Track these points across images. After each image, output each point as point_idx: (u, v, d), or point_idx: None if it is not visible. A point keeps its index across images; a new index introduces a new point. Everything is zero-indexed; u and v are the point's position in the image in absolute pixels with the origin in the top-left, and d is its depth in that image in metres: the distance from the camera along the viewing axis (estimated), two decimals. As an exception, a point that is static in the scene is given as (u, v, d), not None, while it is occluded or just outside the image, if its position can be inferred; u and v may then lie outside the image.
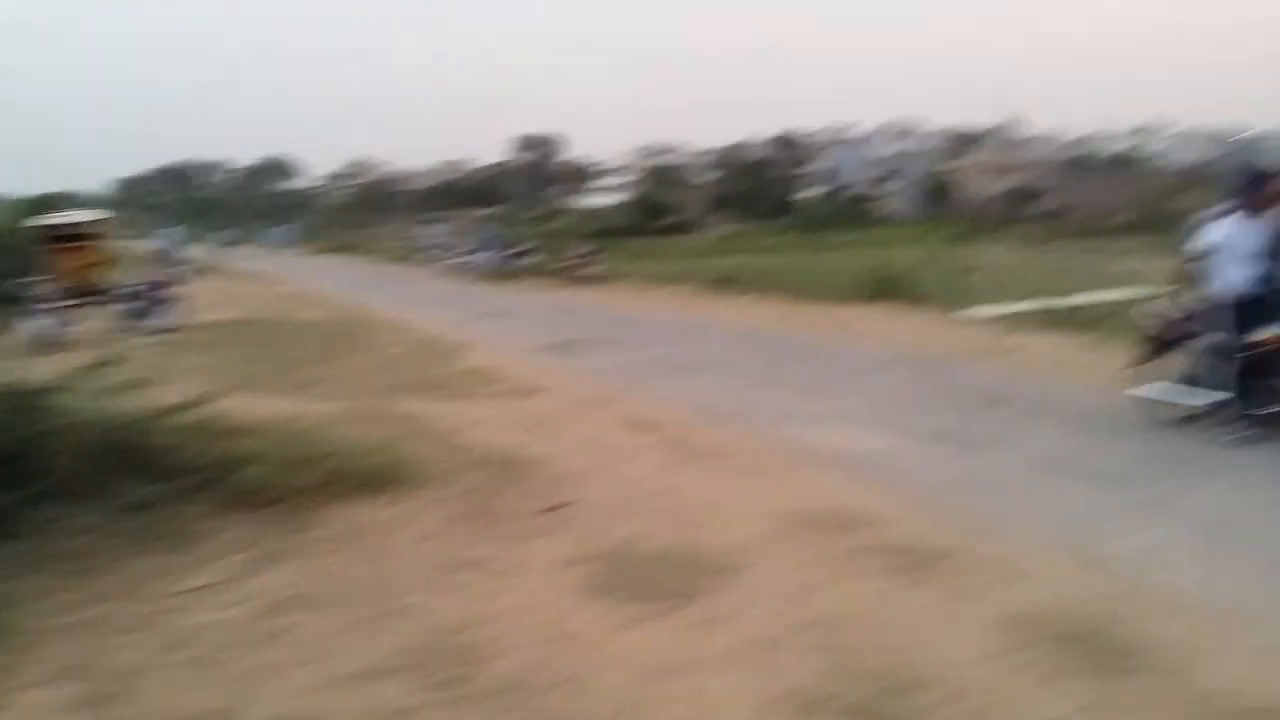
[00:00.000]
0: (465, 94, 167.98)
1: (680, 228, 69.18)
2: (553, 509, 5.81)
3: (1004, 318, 13.82)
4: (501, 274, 26.82)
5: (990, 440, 7.12)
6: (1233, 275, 6.78)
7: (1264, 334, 6.69)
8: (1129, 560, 4.67)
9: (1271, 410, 6.75)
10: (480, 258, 29.04)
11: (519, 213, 78.80)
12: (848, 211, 69.44)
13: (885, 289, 16.77)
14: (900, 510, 5.51)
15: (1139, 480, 6.02)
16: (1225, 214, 6.95)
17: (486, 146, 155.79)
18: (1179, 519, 5.27)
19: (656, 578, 4.73)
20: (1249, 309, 6.73)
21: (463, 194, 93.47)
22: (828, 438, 7.34)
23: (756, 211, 77.41)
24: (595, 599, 4.54)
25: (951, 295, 15.90)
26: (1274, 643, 3.79)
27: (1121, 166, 79.57)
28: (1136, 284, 18.19)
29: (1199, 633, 3.89)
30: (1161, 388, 7.41)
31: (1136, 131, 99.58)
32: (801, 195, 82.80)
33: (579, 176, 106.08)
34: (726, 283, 21.22)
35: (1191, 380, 7.18)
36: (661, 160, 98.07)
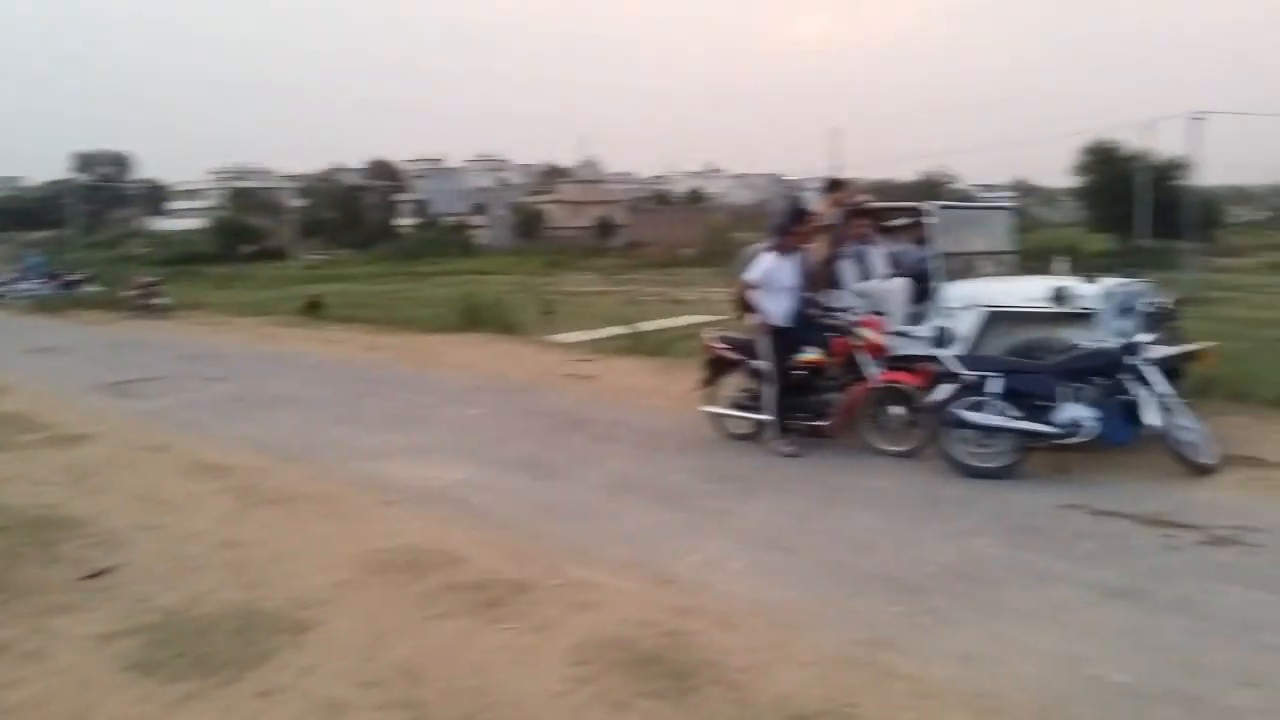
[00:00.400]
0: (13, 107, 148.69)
1: (269, 254, 65.83)
2: (92, 576, 5.07)
3: (587, 344, 14.37)
4: (55, 305, 23.71)
5: (569, 465, 7.25)
6: (773, 306, 7.44)
7: (801, 358, 7.42)
8: (693, 577, 4.89)
9: (810, 425, 7.50)
10: (27, 286, 25.57)
11: (81, 237, 70.70)
12: (443, 241, 69.67)
13: (476, 317, 16.88)
14: (479, 545, 5.40)
15: (701, 496, 6.38)
16: (768, 250, 7.63)
17: (42, 164, 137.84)
18: (735, 532, 5.62)
19: (213, 646, 4.22)
20: (787, 337, 7.43)
21: (12, 215, 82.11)
22: (408, 472, 7.09)
23: (350, 239, 75.39)
24: (138, 678, 3.96)
25: (539, 322, 16.30)
26: (820, 648, 4.07)
27: (689, 204, 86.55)
28: (702, 311, 19.76)
29: (756, 643, 4.11)
30: (721, 408, 7.98)
31: (701, 173, 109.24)
32: (397, 223, 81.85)
33: (153, 198, 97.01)
34: (314, 312, 20.40)
35: (747, 400, 7.80)
36: (246, 184, 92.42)
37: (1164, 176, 49.24)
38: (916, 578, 4.80)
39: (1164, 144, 50.60)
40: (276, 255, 64.16)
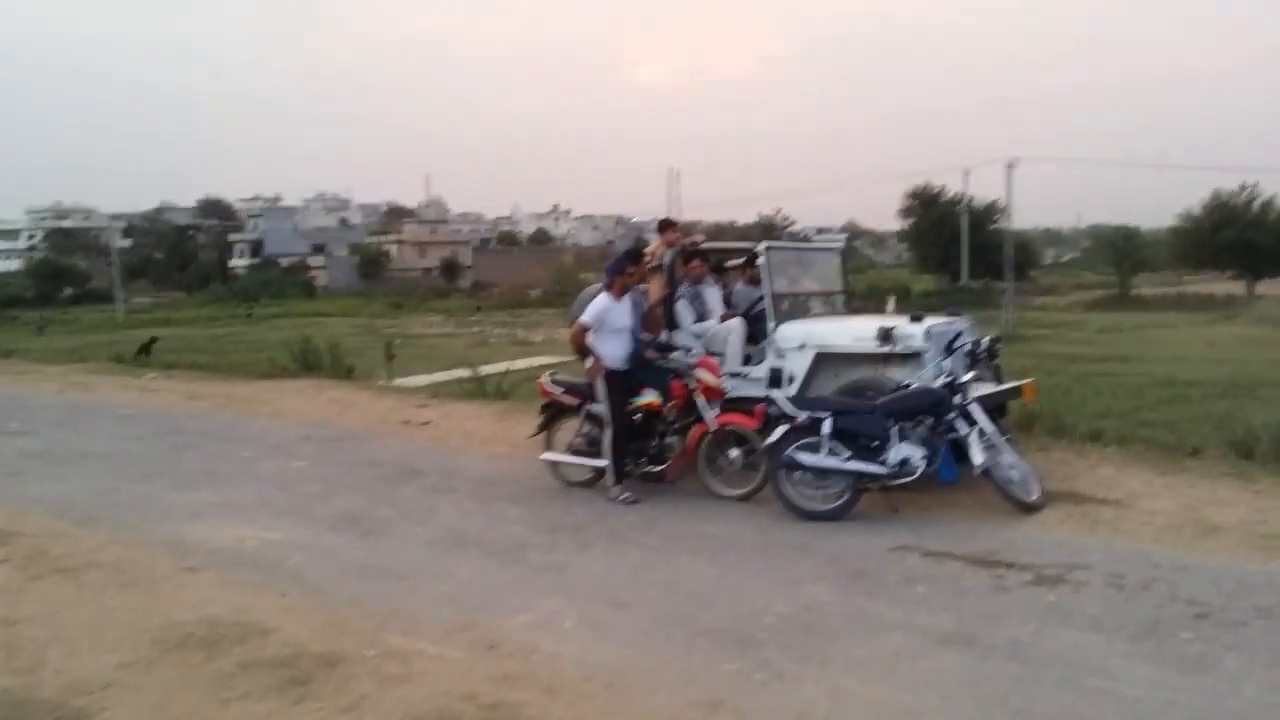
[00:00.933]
0: None
1: (93, 297, 62.85)
2: None
3: (427, 388, 13.93)
4: None
5: (397, 520, 6.86)
6: (608, 349, 7.28)
7: (636, 402, 7.27)
8: (521, 639, 4.60)
9: (647, 470, 7.35)
10: None
11: None
12: (280, 282, 67.74)
13: (312, 362, 16.21)
14: (290, 613, 4.97)
15: (535, 550, 6.10)
16: (602, 291, 7.48)
17: None
18: (569, 588, 5.36)
19: (-32, 745, 3.71)
20: (623, 380, 7.27)
21: None
22: (219, 533, 6.54)
23: (181, 281, 72.73)
24: None
25: (378, 366, 15.76)
26: (652, 712, 3.86)
27: (536, 245, 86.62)
28: (549, 352, 19.57)
29: (585, 711, 3.86)
30: (560, 454, 7.75)
31: (547, 214, 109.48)
32: (231, 265, 79.18)
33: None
34: (147, 354, 19.27)
35: (584, 446, 7.60)
36: (67, 223, 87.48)
37: (983, 219, 52.15)
38: (752, 630, 4.66)
39: (982, 189, 53.65)
40: (101, 299, 61.09)
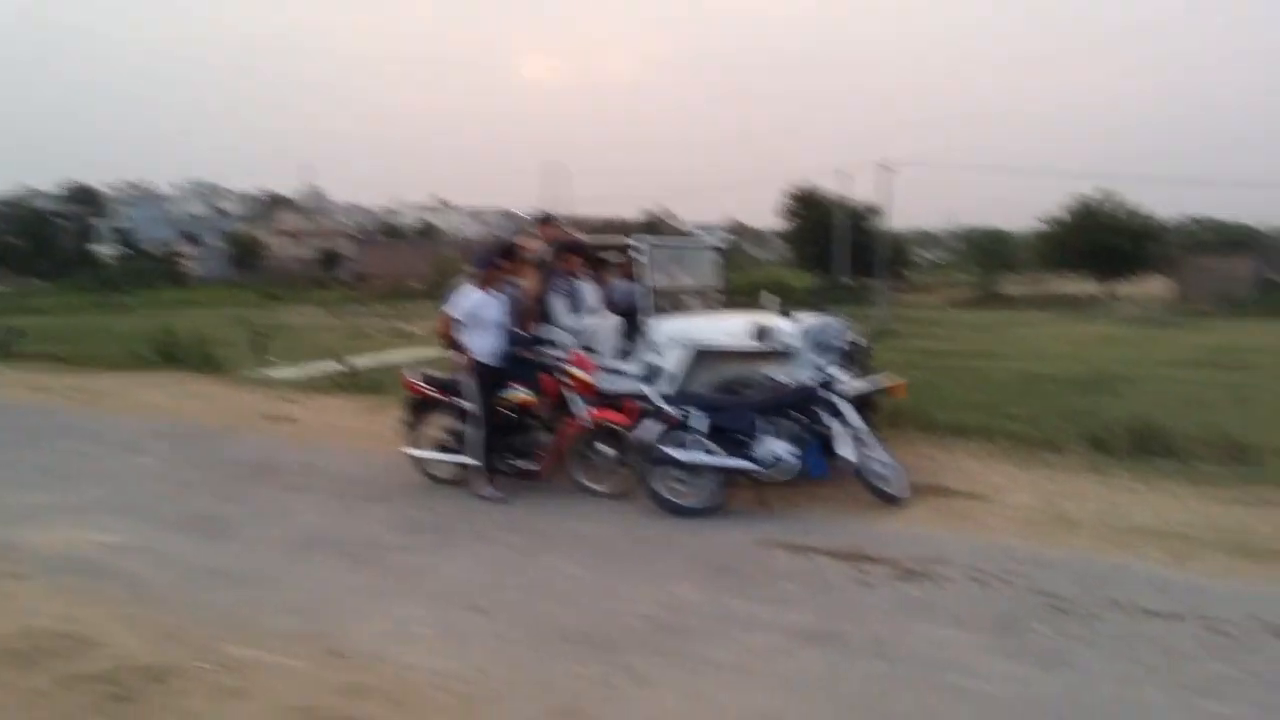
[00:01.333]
0: None
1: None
2: None
3: (295, 381, 13.40)
4: None
5: (249, 520, 6.48)
6: (479, 343, 7.04)
7: (506, 397, 7.06)
8: (372, 648, 4.35)
9: (518, 467, 7.15)
10: None
11: None
12: (148, 271, 65.19)
13: (175, 353, 15.45)
14: (120, 623, 4.60)
15: (394, 551, 5.83)
16: (473, 284, 7.23)
17: None
18: (427, 592, 5.12)
19: None
20: (493, 375, 7.04)
21: None
22: (51, 536, 6.05)
23: (41, 268, 69.52)
24: None
25: (246, 359, 15.13)
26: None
27: (420, 237, 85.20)
28: (428, 345, 19.09)
29: (432, 720, 3.67)
30: (424, 450, 7.48)
31: (433, 207, 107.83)
32: (96, 252, 75.82)
33: None
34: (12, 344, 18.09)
35: (452, 443, 7.35)
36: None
37: (859, 220, 53.41)
38: (615, 632, 4.52)
39: (861, 190, 54.90)
40: (-50, 285, 57.71)
